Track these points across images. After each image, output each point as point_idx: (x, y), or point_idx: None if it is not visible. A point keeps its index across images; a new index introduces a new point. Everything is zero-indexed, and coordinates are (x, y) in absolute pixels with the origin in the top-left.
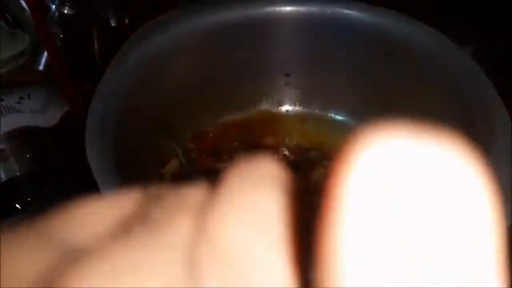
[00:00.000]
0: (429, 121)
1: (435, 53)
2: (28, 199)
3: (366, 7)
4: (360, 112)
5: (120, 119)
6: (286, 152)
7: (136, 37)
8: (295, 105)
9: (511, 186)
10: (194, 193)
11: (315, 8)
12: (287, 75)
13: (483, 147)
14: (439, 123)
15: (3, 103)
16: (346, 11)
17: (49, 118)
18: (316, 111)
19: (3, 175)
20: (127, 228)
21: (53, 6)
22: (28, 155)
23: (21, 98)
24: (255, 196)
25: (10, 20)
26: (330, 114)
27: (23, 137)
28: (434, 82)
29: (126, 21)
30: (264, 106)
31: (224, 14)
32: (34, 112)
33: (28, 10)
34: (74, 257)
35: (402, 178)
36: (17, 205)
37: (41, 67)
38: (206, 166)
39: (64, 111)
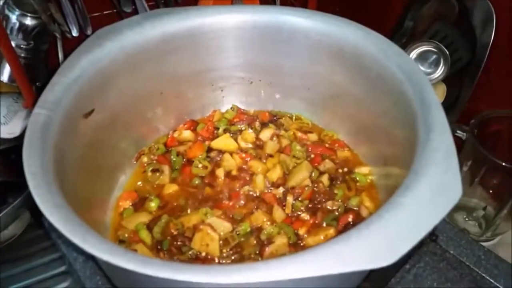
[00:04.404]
0: (375, 119)
1: (382, 58)
2: None
3: (314, 14)
4: (316, 113)
5: (64, 124)
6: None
7: (86, 44)
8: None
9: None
10: None
11: (271, 17)
12: (251, 83)
13: (421, 143)
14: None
15: None
16: (293, 18)
17: (12, 129)
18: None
19: None
20: None
21: (14, 17)
22: None
23: None
24: None
25: None
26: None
27: None
28: (381, 85)
29: (88, 31)
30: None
31: (180, 23)
32: None
33: None
34: None
35: None
36: None
37: (4, 78)
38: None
39: (27, 122)
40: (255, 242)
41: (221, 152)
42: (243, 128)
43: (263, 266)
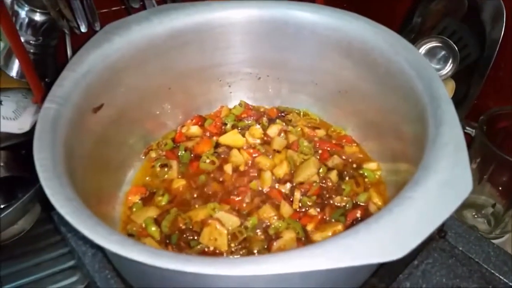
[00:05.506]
0: (384, 114)
1: (391, 52)
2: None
3: (321, 9)
4: (324, 108)
5: (74, 118)
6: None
7: (95, 39)
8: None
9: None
10: None
11: (278, 11)
12: (259, 78)
13: (430, 138)
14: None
15: None
16: (299, 13)
17: (21, 124)
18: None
19: None
20: None
21: (23, 13)
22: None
23: None
24: None
25: None
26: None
27: None
28: (390, 79)
29: (97, 27)
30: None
31: (187, 18)
32: (7, 119)
33: None
34: None
35: None
36: None
37: (13, 74)
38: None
39: (36, 117)
40: (263, 237)
41: (228, 147)
42: (250, 124)
43: (271, 258)
